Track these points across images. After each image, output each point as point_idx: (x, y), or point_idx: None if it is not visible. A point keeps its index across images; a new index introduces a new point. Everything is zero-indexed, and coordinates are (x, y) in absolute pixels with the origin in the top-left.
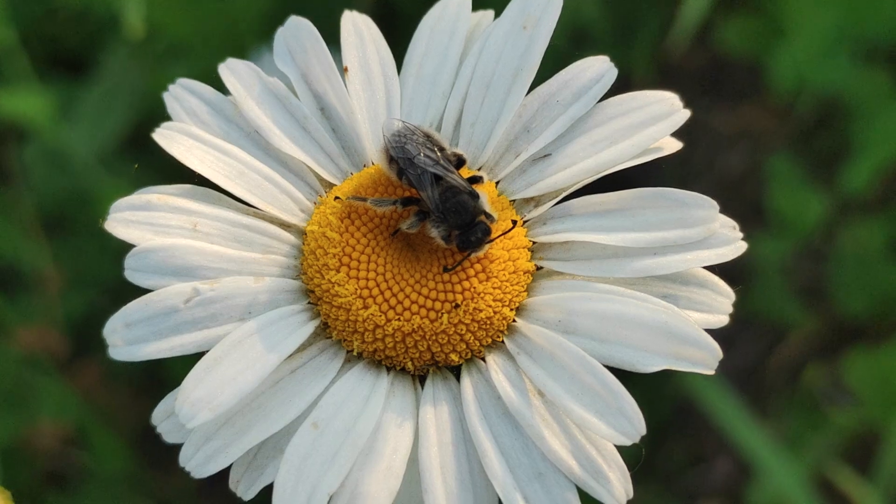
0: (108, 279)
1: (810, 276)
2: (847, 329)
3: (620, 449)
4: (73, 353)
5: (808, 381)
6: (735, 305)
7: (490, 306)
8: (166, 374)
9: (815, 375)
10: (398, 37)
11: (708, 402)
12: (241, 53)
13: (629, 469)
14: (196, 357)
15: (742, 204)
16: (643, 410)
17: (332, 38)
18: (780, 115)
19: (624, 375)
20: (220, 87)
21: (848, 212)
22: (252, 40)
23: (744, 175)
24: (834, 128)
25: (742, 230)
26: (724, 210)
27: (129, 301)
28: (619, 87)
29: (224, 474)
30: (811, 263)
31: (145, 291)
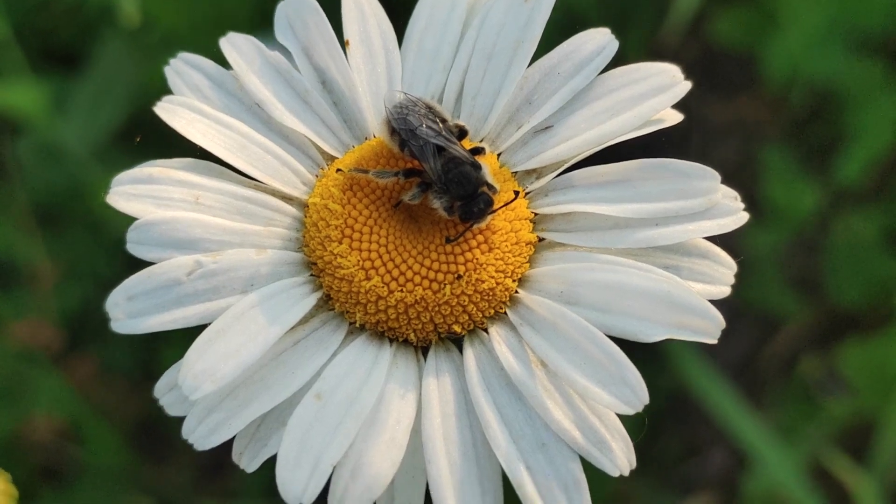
0: (103, 272)
1: (804, 267)
2: (841, 319)
3: (623, 420)
4: (67, 346)
5: (802, 371)
6: (729, 296)
7: (492, 277)
8: (162, 367)
9: (809, 365)
10: (398, 13)
11: (703, 392)
12: None
13: (632, 439)
14: (195, 333)
15: None
16: None
17: (331, 16)
18: (774, 106)
19: None
20: (226, 65)
21: (841, 202)
22: (245, 31)
23: (738, 166)
24: (827, 118)
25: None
26: None
27: None
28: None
29: (220, 468)
30: (805, 254)
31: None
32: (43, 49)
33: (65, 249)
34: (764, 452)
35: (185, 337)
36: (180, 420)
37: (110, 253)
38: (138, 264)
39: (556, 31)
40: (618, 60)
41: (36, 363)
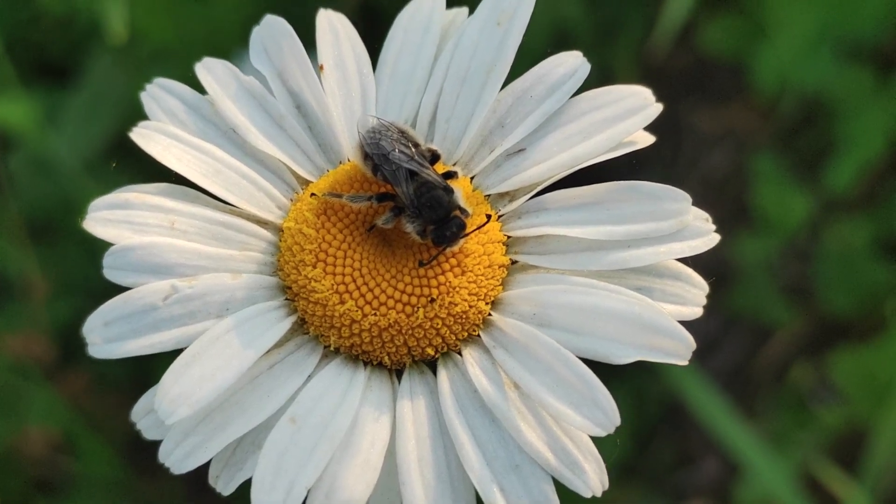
0: (95, 286)
1: (795, 275)
2: (833, 327)
3: (598, 441)
4: (59, 359)
5: (794, 379)
6: (721, 305)
7: (465, 300)
8: (154, 380)
9: (801, 374)
10: (373, 35)
11: (695, 402)
12: (224, 58)
13: (604, 460)
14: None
15: (726, 203)
16: (630, 411)
17: (312, 42)
18: (764, 114)
19: (612, 375)
20: (202, 89)
21: (832, 210)
22: (235, 45)
23: (728, 175)
24: (817, 127)
25: (727, 230)
26: (708, 210)
27: None
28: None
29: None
30: (796, 262)
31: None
32: (34, 63)
33: (57, 263)
34: (756, 461)
35: (176, 351)
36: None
37: (102, 266)
38: (107, 277)
39: (546, 42)
40: (607, 71)
41: (29, 376)
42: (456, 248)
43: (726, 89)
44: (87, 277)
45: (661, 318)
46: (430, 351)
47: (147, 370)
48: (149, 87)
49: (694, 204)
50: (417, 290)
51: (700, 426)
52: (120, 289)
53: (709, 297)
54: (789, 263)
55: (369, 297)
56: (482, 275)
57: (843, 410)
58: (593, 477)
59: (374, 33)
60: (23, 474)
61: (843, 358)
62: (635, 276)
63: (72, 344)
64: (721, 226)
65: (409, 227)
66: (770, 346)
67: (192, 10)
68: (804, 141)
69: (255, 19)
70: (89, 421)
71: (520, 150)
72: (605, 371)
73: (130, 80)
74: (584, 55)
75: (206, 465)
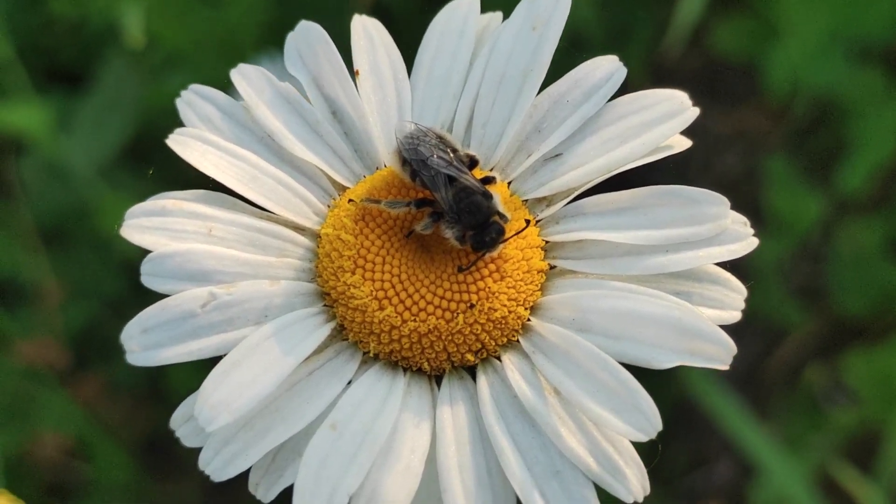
0: (109, 291)
1: (808, 277)
2: (846, 328)
3: (636, 444)
4: (73, 365)
5: (808, 381)
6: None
7: (505, 306)
8: (167, 385)
9: (814, 375)
10: (407, 42)
11: (709, 403)
12: (239, 62)
13: (645, 465)
14: (197, 364)
15: (739, 205)
16: None
17: (340, 46)
18: (776, 116)
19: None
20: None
21: (845, 211)
22: (249, 50)
23: (740, 176)
24: (829, 128)
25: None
26: None
27: (130, 312)
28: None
29: (227, 485)
30: (809, 263)
31: (146, 301)
32: (46, 68)
33: (70, 268)
34: (770, 463)
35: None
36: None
37: (116, 271)
38: (145, 284)
39: (559, 47)
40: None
41: (43, 382)
42: (495, 254)
43: (738, 91)
44: (100, 283)
45: (701, 323)
46: (470, 357)
47: (161, 376)
48: (184, 93)
49: None
50: (457, 296)
51: (714, 428)
52: (133, 291)
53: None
54: (802, 265)
55: (408, 302)
56: (521, 280)
57: (857, 411)
58: (635, 482)
59: (405, 38)
60: (37, 479)
61: (857, 359)
62: (674, 280)
63: (86, 349)
64: None
65: (448, 233)
66: (783, 348)
67: (204, 14)
68: (816, 142)
69: (270, 24)
70: (103, 426)
71: (557, 155)
72: (631, 369)
73: (144, 85)
74: (596, 55)
75: None
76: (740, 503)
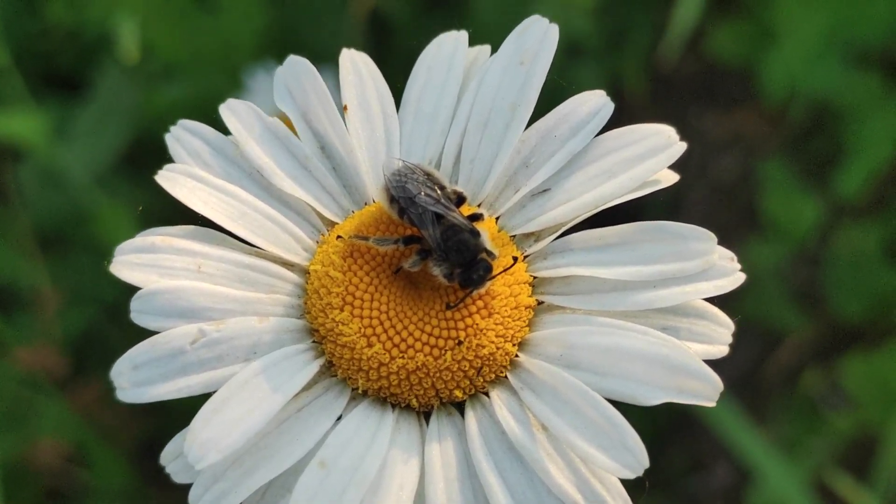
0: (107, 298)
1: (805, 281)
2: (843, 333)
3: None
4: (71, 371)
5: (805, 385)
6: (731, 311)
7: (493, 342)
8: None
9: (812, 380)
10: (392, 51)
11: (706, 408)
12: (235, 72)
13: (632, 500)
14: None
15: (736, 209)
16: (642, 417)
17: (322, 58)
18: (773, 120)
19: None
20: (216, 107)
21: (841, 215)
22: (245, 59)
23: (737, 180)
24: (826, 132)
25: (736, 236)
26: (717, 216)
27: (126, 320)
28: (611, 97)
29: None
30: (806, 268)
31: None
32: (43, 75)
33: (68, 274)
34: (767, 467)
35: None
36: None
37: (113, 278)
38: (135, 321)
39: (557, 53)
40: (616, 78)
41: (41, 388)
42: (483, 291)
43: (735, 95)
44: (98, 289)
45: (688, 360)
46: (458, 393)
47: None
48: (173, 128)
49: (703, 209)
50: (445, 333)
51: (711, 432)
52: (130, 298)
53: (719, 302)
54: (799, 269)
55: (397, 339)
56: (509, 316)
57: (855, 416)
58: None
59: (383, 48)
60: (35, 485)
61: (854, 363)
62: (661, 315)
63: (83, 355)
64: (730, 232)
65: (436, 270)
66: (780, 352)
67: (201, 23)
68: (813, 146)
69: (266, 33)
70: (101, 432)
71: (545, 191)
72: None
73: (140, 92)
74: (593, 63)
75: None
76: None
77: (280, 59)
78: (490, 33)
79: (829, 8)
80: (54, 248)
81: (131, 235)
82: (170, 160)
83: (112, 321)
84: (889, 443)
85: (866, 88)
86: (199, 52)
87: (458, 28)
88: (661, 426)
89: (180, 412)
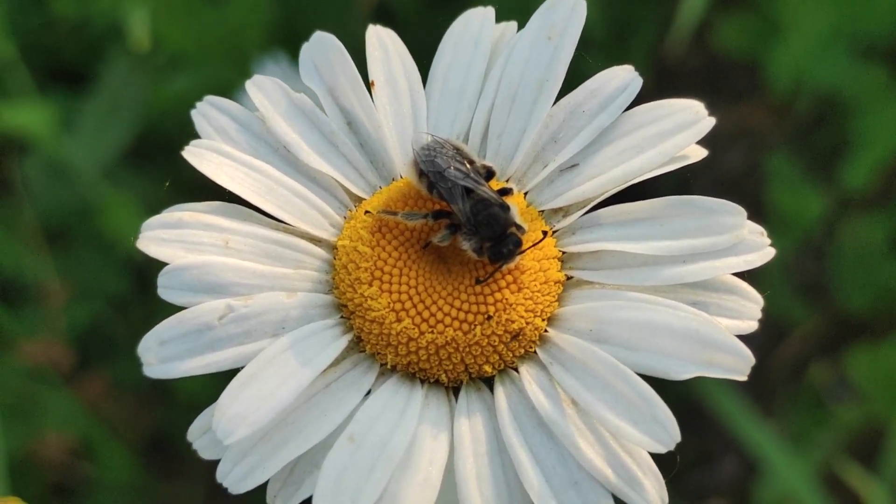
0: (113, 291)
1: (812, 274)
2: (849, 325)
3: (654, 455)
4: (77, 364)
5: (812, 378)
6: None
7: (522, 317)
8: (172, 386)
9: (818, 372)
10: (423, 52)
11: (714, 401)
12: (243, 63)
13: (663, 476)
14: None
15: (741, 202)
16: None
17: (355, 57)
18: (779, 113)
19: None
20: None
21: (848, 208)
22: (253, 50)
23: (743, 173)
24: (832, 125)
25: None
26: None
27: (134, 312)
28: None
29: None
30: (812, 261)
31: (150, 301)
32: (49, 68)
33: (74, 268)
34: (775, 460)
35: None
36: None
37: (119, 271)
38: (148, 283)
39: None
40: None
41: (46, 381)
42: (512, 265)
43: (741, 88)
44: (103, 282)
45: (719, 334)
46: (488, 368)
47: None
48: (199, 104)
49: None
50: (474, 308)
51: (718, 425)
52: (136, 290)
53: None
54: (805, 262)
55: (426, 314)
56: (538, 291)
57: (861, 408)
58: (652, 492)
59: (420, 48)
60: (41, 479)
61: (861, 356)
62: (690, 290)
63: (89, 349)
64: None
65: (465, 245)
66: (787, 345)
67: (208, 14)
68: (819, 139)
69: (274, 24)
70: (107, 426)
71: (573, 166)
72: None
73: (147, 85)
74: (599, 56)
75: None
76: (745, 500)
77: (288, 49)
78: (507, 18)
79: (834, 1)
80: (60, 242)
81: (137, 228)
82: (177, 154)
83: (118, 314)
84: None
85: (872, 81)
86: (206, 43)
87: None
88: None
89: (186, 404)
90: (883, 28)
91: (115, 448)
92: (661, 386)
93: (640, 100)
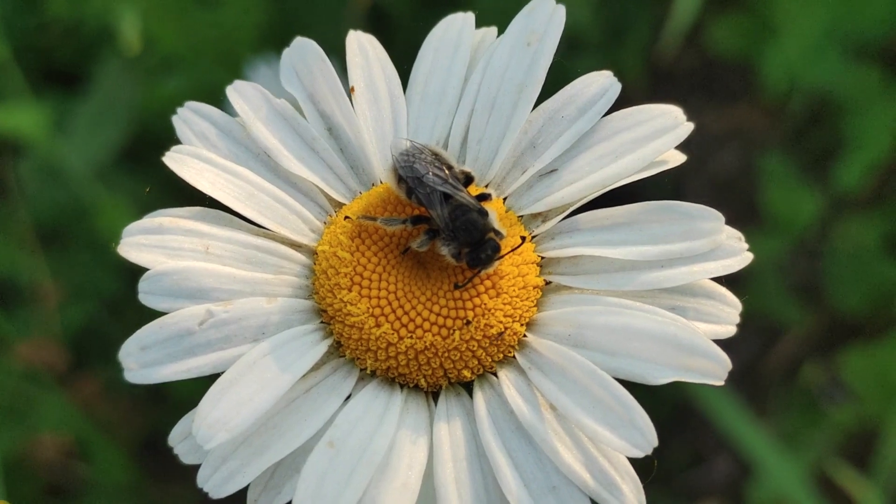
0: (107, 292)
1: (805, 274)
2: (843, 326)
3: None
4: (72, 365)
5: (805, 378)
6: None
7: (501, 322)
8: (166, 387)
9: (812, 373)
10: (402, 57)
11: (707, 401)
12: (235, 65)
13: (641, 480)
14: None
15: (735, 203)
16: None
17: (336, 62)
18: (772, 113)
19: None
20: (216, 100)
21: (841, 209)
22: (245, 52)
23: (737, 174)
24: (826, 125)
25: (736, 229)
26: (717, 209)
27: (128, 313)
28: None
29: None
30: (806, 261)
31: (149, 310)
32: (42, 69)
33: (68, 269)
34: (768, 460)
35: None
36: None
37: (113, 272)
38: (142, 302)
39: (558, 45)
40: (615, 72)
41: (41, 383)
42: (491, 270)
43: (734, 89)
44: (98, 284)
45: (697, 339)
46: (467, 373)
47: None
48: (180, 110)
49: (702, 203)
50: (453, 313)
51: (712, 426)
52: (130, 296)
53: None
54: (799, 262)
55: (405, 319)
56: (517, 296)
57: (855, 409)
58: (630, 497)
59: (382, 39)
60: (36, 480)
61: (854, 356)
62: (668, 295)
63: (84, 350)
64: (730, 225)
65: (444, 250)
66: (781, 346)
67: (201, 16)
68: (812, 140)
69: (266, 26)
70: (101, 426)
71: (552, 171)
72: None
73: (140, 86)
74: (593, 56)
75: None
76: (738, 501)
77: (281, 52)
78: (489, 23)
79: (828, 2)
80: (54, 243)
81: None
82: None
83: (112, 315)
84: (890, 435)
85: (866, 82)
86: (199, 45)
87: None
88: (662, 419)
89: (181, 405)
90: (876, 29)
91: (109, 449)
92: (653, 387)
93: (633, 101)
